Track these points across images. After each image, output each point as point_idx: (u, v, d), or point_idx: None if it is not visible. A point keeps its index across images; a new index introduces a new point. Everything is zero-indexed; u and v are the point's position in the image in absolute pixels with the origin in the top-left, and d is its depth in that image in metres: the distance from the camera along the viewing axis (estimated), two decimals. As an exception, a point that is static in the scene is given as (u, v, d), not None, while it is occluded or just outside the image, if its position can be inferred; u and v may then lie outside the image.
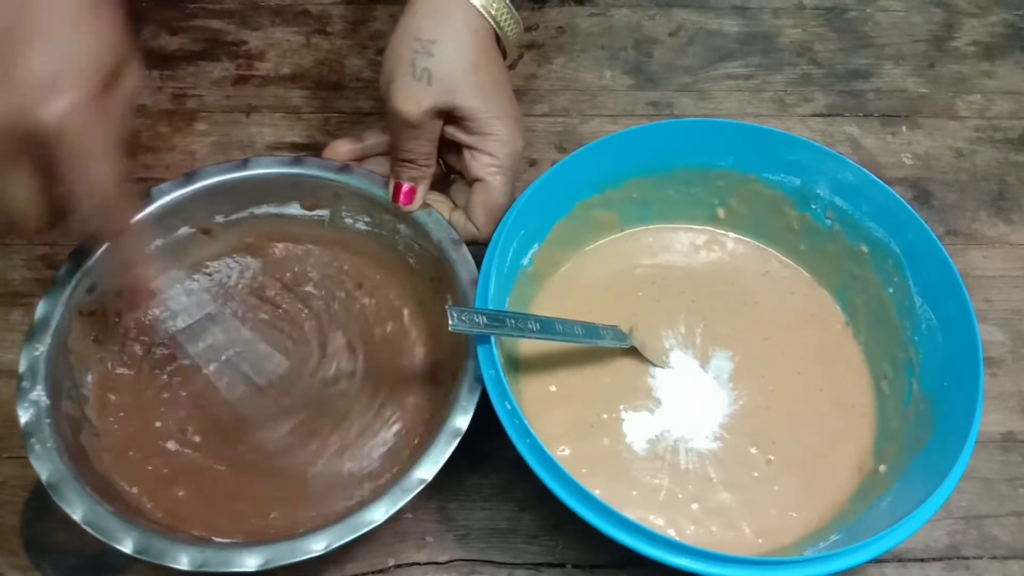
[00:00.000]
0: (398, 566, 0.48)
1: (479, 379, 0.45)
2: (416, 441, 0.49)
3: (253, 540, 0.43)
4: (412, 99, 0.48)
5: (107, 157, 0.39)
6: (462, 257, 0.50)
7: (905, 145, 0.66)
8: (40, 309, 0.47)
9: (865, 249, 0.53)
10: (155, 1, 0.70)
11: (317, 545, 0.41)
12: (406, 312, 0.53)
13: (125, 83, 0.40)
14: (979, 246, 0.61)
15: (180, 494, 0.47)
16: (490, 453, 0.51)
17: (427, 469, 0.43)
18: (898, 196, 0.51)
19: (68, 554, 0.47)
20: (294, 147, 0.63)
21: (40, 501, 0.48)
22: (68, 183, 0.39)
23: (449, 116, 0.50)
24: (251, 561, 0.40)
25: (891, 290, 0.52)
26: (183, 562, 0.40)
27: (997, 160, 0.65)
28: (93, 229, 0.43)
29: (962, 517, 0.51)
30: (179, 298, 0.49)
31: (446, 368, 0.50)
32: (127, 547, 0.40)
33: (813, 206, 0.54)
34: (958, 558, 0.49)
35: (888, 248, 0.51)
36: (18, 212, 0.39)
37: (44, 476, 0.42)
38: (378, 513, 0.42)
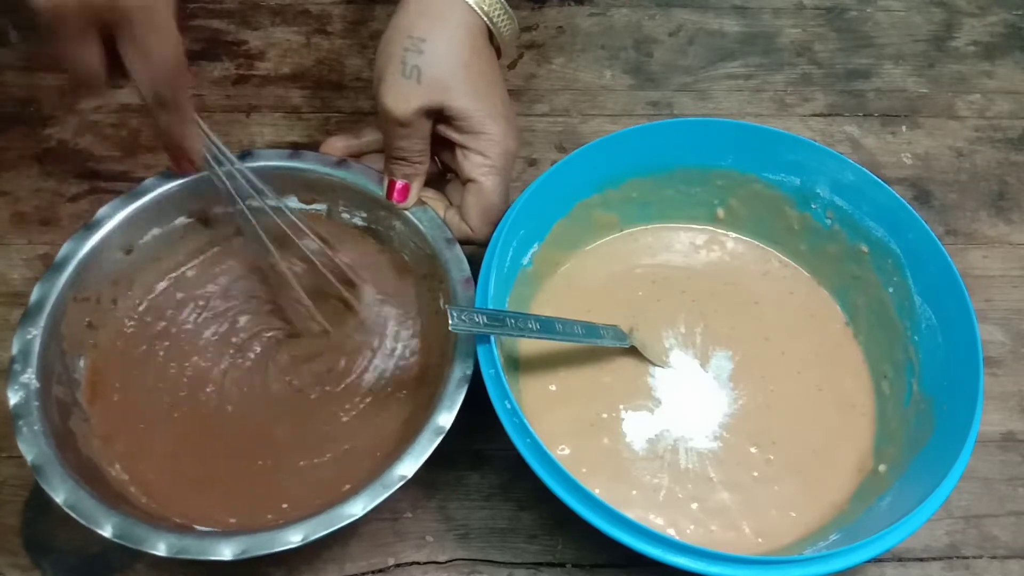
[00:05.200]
0: (398, 565, 0.48)
1: (465, 378, 0.45)
2: (400, 437, 0.49)
3: (233, 529, 0.43)
4: (401, 97, 0.48)
5: (173, 30, 0.43)
6: (455, 256, 0.50)
7: (905, 145, 0.66)
8: (35, 293, 0.47)
9: (865, 249, 0.53)
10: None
11: (294, 537, 0.41)
12: (398, 309, 0.54)
13: None
14: (979, 246, 0.61)
15: (167, 480, 0.47)
16: (490, 453, 0.51)
17: (408, 466, 0.43)
18: (898, 196, 0.51)
19: (68, 554, 0.47)
20: (294, 147, 0.63)
21: (40, 501, 0.48)
22: (139, 54, 0.42)
23: (440, 115, 0.50)
24: (227, 550, 0.41)
25: (891, 290, 0.52)
26: (161, 548, 0.40)
27: (997, 160, 0.65)
28: (154, 95, 0.44)
29: (962, 517, 0.51)
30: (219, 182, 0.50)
31: (435, 366, 0.50)
32: (107, 531, 0.41)
33: (813, 206, 0.54)
34: (958, 558, 0.49)
35: (888, 248, 0.51)
36: (87, 75, 0.42)
37: (30, 458, 0.42)
38: (356, 508, 0.42)
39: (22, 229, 0.59)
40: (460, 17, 0.49)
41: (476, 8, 0.49)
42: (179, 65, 0.43)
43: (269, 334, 0.53)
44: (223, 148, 0.49)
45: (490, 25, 0.50)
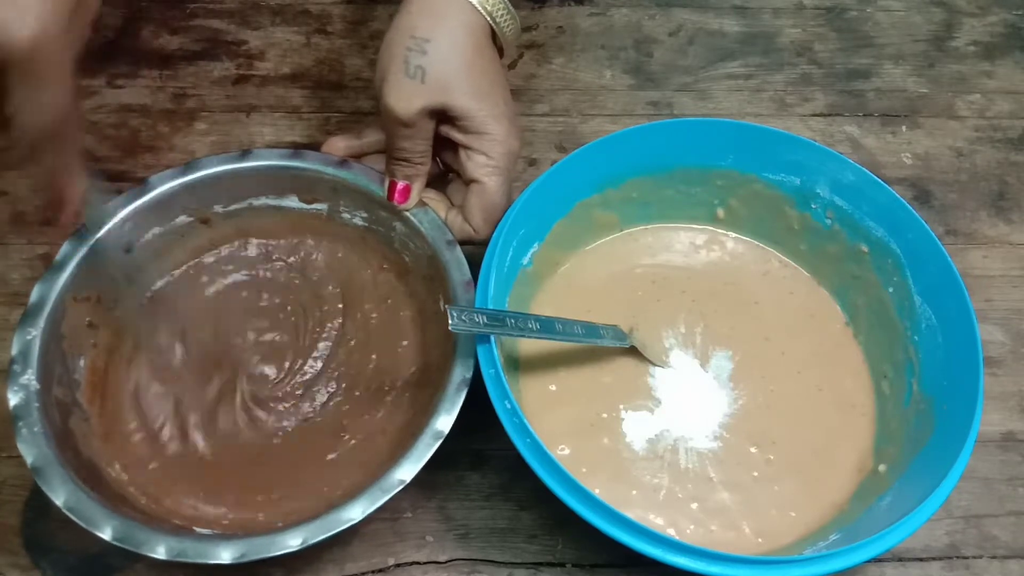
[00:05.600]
0: (398, 565, 0.48)
1: (465, 381, 0.45)
2: (399, 441, 0.48)
3: (232, 532, 0.43)
4: (404, 97, 0.48)
5: (67, 79, 0.39)
6: (455, 258, 0.50)
7: (905, 145, 0.66)
8: (35, 294, 0.47)
9: (865, 249, 0.53)
10: (155, 1, 0.70)
11: (293, 541, 0.41)
12: (399, 311, 0.53)
13: (89, 5, 0.41)
14: (979, 246, 0.61)
15: (166, 481, 0.47)
16: (490, 453, 0.51)
17: (407, 470, 0.43)
18: (898, 196, 0.51)
19: (68, 554, 0.47)
20: (294, 147, 0.63)
21: (40, 501, 0.48)
22: (25, 103, 0.38)
23: (443, 115, 0.50)
24: (226, 554, 0.41)
25: (891, 290, 0.52)
26: (160, 551, 0.40)
27: (997, 160, 0.65)
28: (37, 148, 0.41)
29: (962, 517, 0.51)
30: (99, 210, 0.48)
31: (435, 368, 0.50)
32: (107, 534, 0.41)
33: (813, 206, 0.54)
34: (958, 557, 0.49)
35: (888, 248, 0.51)
36: None
37: (30, 460, 0.42)
38: (355, 512, 0.42)
39: (22, 229, 0.59)
40: (463, 17, 0.49)
41: (479, 7, 0.49)
42: (69, 108, 0.40)
43: (268, 336, 0.53)
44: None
45: (493, 25, 0.50)
